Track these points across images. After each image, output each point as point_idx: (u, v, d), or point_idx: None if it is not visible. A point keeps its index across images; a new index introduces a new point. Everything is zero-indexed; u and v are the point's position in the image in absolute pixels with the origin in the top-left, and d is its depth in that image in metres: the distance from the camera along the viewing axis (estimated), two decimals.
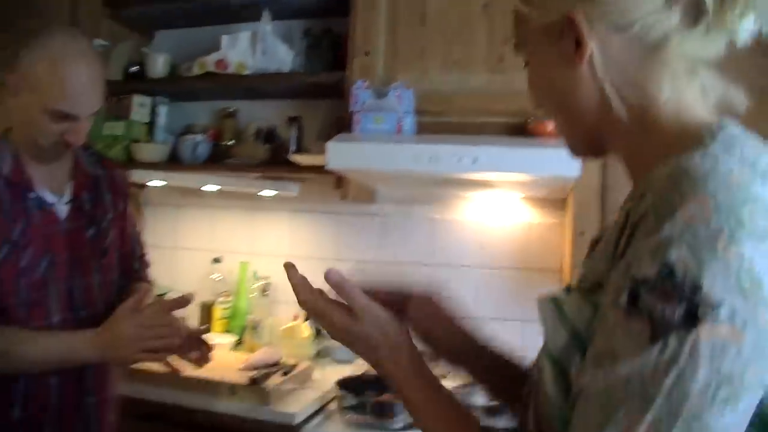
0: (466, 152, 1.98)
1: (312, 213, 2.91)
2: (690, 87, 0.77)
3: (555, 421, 0.73)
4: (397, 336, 0.92)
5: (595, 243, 0.91)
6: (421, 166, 2.01)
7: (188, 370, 1.73)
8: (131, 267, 1.89)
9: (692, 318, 0.59)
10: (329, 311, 0.94)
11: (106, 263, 1.74)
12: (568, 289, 0.82)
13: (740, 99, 0.77)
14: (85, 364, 1.62)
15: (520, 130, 2.20)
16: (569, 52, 0.79)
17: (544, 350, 0.76)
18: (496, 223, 2.67)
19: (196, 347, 1.69)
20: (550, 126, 2.13)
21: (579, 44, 0.77)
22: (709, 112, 0.77)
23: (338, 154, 2.09)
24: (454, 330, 1.07)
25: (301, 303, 0.95)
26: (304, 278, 0.96)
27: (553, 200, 2.55)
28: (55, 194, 1.64)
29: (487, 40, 2.28)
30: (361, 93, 2.27)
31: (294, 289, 0.96)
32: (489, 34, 2.28)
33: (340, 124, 2.39)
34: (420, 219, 2.76)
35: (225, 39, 2.66)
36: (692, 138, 0.71)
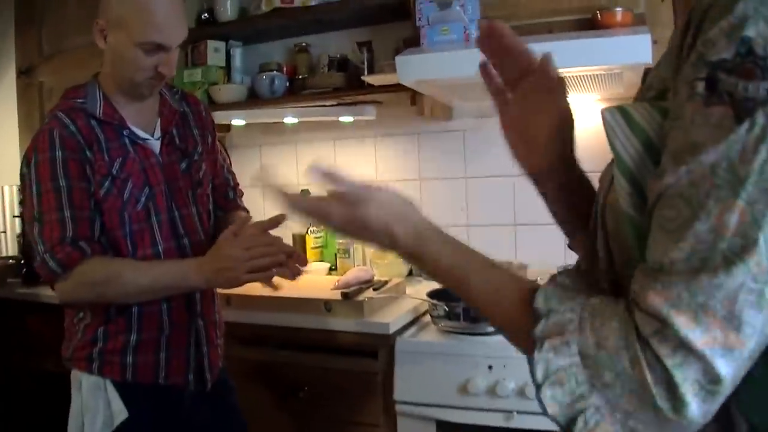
0: (536, 49, 1.96)
1: (392, 135, 2.94)
2: None
3: (630, 239, 0.69)
4: (407, 207, 0.87)
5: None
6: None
7: (286, 288, 1.78)
8: (226, 196, 1.98)
9: None
10: (324, 205, 0.86)
11: (201, 194, 1.83)
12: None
13: None
14: (193, 290, 1.73)
15: (590, 25, 2.15)
16: None
17: (616, 164, 0.70)
18: (578, 129, 2.62)
19: (292, 262, 1.74)
20: (618, 16, 2.09)
21: None
22: None
23: (408, 67, 2.10)
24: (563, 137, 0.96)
25: (291, 206, 0.87)
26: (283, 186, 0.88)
27: (630, 99, 2.48)
28: (146, 131, 1.74)
29: None
30: (425, 7, 2.27)
31: (276, 194, 0.88)
32: None
33: (410, 42, 2.40)
34: (499, 130, 2.74)
35: None
36: None
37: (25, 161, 1.63)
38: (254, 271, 1.64)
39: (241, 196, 2.05)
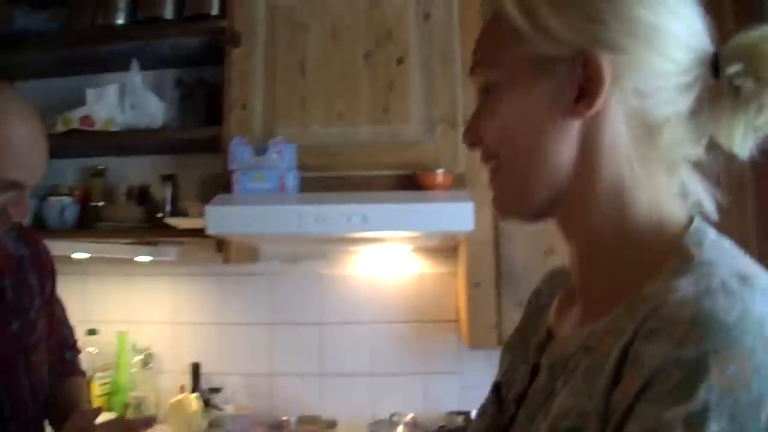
0: (355, 211, 1.89)
1: (193, 276, 2.72)
2: (670, 182, 0.68)
3: None
4: None
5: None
6: (307, 228, 1.89)
7: None
8: (62, 358, 1.66)
9: None
10: None
11: (35, 361, 1.48)
12: None
13: (712, 207, 0.68)
14: None
15: (409, 183, 2.11)
16: (567, 98, 0.65)
17: None
18: (387, 276, 2.57)
19: None
20: (438, 178, 2.06)
21: (587, 94, 0.64)
22: (684, 213, 0.68)
23: (218, 219, 1.94)
24: None
25: None
26: None
27: (444, 249, 2.47)
28: None
29: (371, 90, 2.19)
30: (239, 150, 2.12)
31: None
32: (372, 83, 2.19)
33: (217, 183, 2.24)
34: (308, 276, 2.62)
35: (90, 93, 2.45)
36: (672, 239, 0.64)
37: None
38: None
39: (79, 354, 1.76)
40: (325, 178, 2.15)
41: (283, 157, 2.11)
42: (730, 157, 0.66)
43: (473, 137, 0.73)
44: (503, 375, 0.85)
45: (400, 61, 2.19)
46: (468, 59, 0.75)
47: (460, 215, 1.89)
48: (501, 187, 0.73)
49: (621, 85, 0.64)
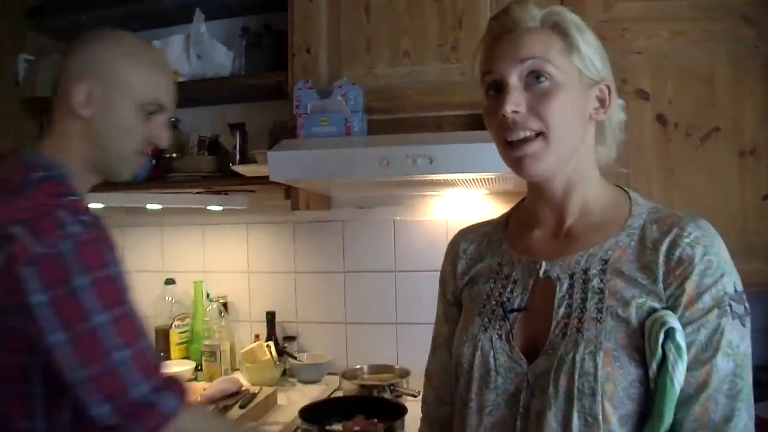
0: (421, 153, 1.80)
1: (266, 224, 2.72)
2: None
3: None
4: None
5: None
6: (371, 172, 1.82)
7: None
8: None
9: None
10: None
11: None
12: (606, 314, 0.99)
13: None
14: None
15: (479, 123, 2.01)
16: (592, 104, 1.04)
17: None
18: (464, 222, 2.48)
19: None
20: None
21: (604, 107, 1.05)
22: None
23: (280, 165, 1.89)
24: None
25: None
26: None
27: (520, 194, 2.36)
28: None
29: (439, 27, 2.09)
30: (304, 94, 2.07)
31: None
32: (440, 19, 2.09)
33: (285, 129, 2.20)
34: (382, 222, 2.57)
35: (156, 45, 2.45)
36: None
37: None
38: None
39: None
40: (393, 120, 2.08)
41: (348, 99, 2.04)
42: None
43: (529, 110, 0.99)
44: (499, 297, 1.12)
45: None
46: None
47: None
48: (544, 151, 1.00)
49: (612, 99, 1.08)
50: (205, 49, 2.44)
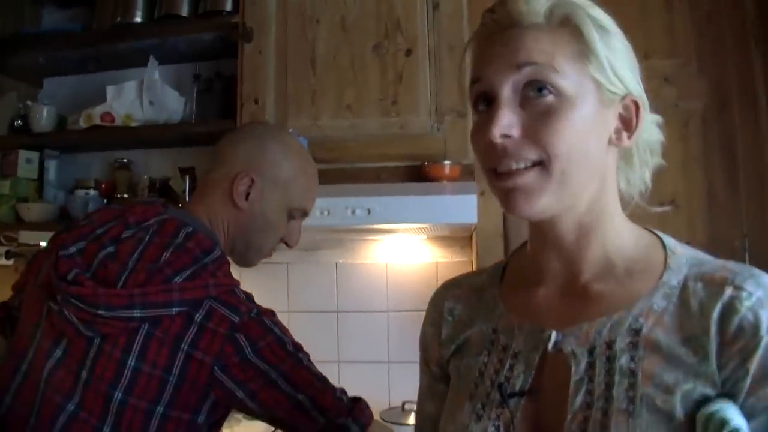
0: (359, 204, 1.92)
1: None
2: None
3: None
4: None
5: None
6: (312, 221, 1.92)
7: None
8: None
9: None
10: None
11: None
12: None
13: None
14: None
15: (417, 175, 2.13)
16: (611, 126, 0.80)
17: None
18: (403, 265, 2.59)
19: None
20: (446, 169, 2.08)
21: (628, 129, 0.81)
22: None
23: None
24: None
25: None
26: None
27: (458, 238, 2.49)
28: None
29: (380, 81, 2.21)
30: None
31: None
32: (381, 75, 2.21)
33: None
34: (324, 264, 2.66)
35: (110, 90, 2.53)
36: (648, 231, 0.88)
37: None
38: None
39: None
40: (335, 170, 2.18)
41: None
42: None
43: (525, 134, 0.76)
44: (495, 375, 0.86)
45: (408, 52, 2.20)
46: None
47: (464, 207, 1.90)
48: (541, 184, 0.77)
49: (643, 117, 0.83)
50: (157, 95, 2.52)
